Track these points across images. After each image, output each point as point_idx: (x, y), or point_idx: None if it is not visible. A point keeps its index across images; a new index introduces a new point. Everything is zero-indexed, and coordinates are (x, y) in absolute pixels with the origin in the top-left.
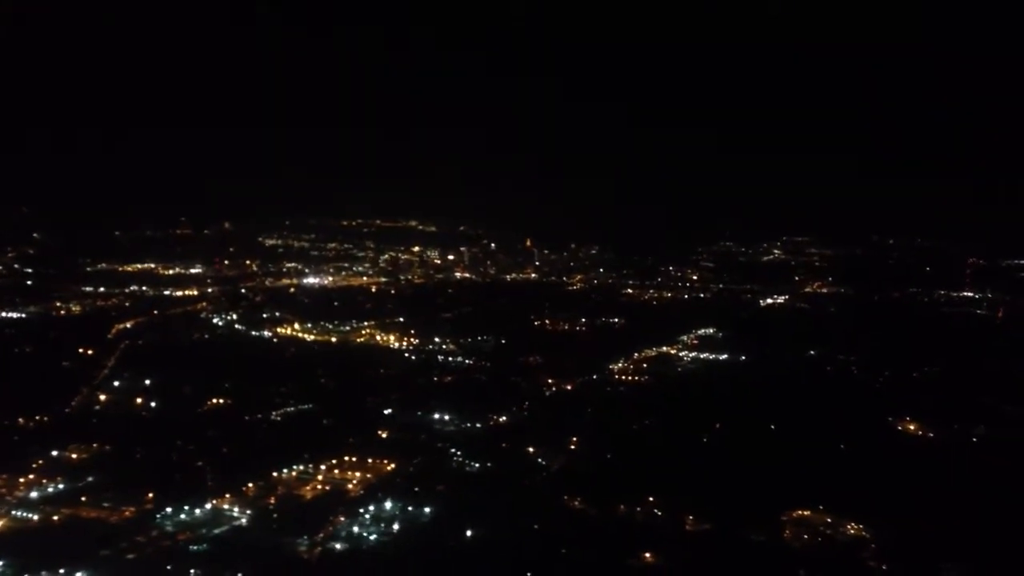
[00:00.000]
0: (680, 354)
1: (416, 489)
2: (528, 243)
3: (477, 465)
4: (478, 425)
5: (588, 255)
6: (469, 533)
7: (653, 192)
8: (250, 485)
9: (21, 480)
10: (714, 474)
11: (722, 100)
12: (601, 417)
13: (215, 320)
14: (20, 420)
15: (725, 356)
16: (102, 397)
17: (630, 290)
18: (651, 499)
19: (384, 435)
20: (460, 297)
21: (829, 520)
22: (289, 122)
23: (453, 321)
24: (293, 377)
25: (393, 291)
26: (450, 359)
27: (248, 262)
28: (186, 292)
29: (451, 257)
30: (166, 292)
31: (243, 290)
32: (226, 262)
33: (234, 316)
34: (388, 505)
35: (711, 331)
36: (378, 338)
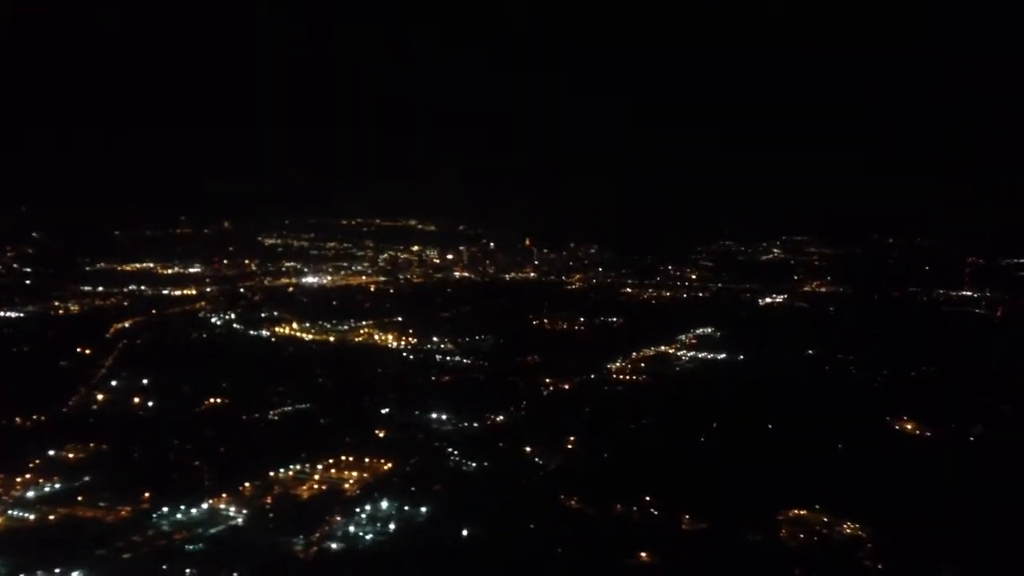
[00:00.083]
0: (678, 353)
1: (413, 489)
2: (527, 242)
3: (474, 465)
4: (475, 425)
5: (587, 254)
6: (465, 532)
7: (653, 192)
8: (247, 485)
9: (18, 480)
10: (711, 473)
11: (722, 100)
12: (598, 417)
13: (213, 319)
14: (17, 420)
15: (723, 355)
16: (100, 397)
17: (629, 289)
18: (647, 498)
19: (381, 435)
20: (459, 296)
21: (826, 519)
22: (289, 122)
23: (451, 320)
24: (291, 376)
25: (392, 290)
26: (448, 359)
27: (247, 261)
28: (185, 292)
29: (450, 256)
30: (165, 292)
31: (242, 289)
32: (225, 261)
33: (232, 315)
34: (384, 504)
35: (710, 330)
36: (376, 337)
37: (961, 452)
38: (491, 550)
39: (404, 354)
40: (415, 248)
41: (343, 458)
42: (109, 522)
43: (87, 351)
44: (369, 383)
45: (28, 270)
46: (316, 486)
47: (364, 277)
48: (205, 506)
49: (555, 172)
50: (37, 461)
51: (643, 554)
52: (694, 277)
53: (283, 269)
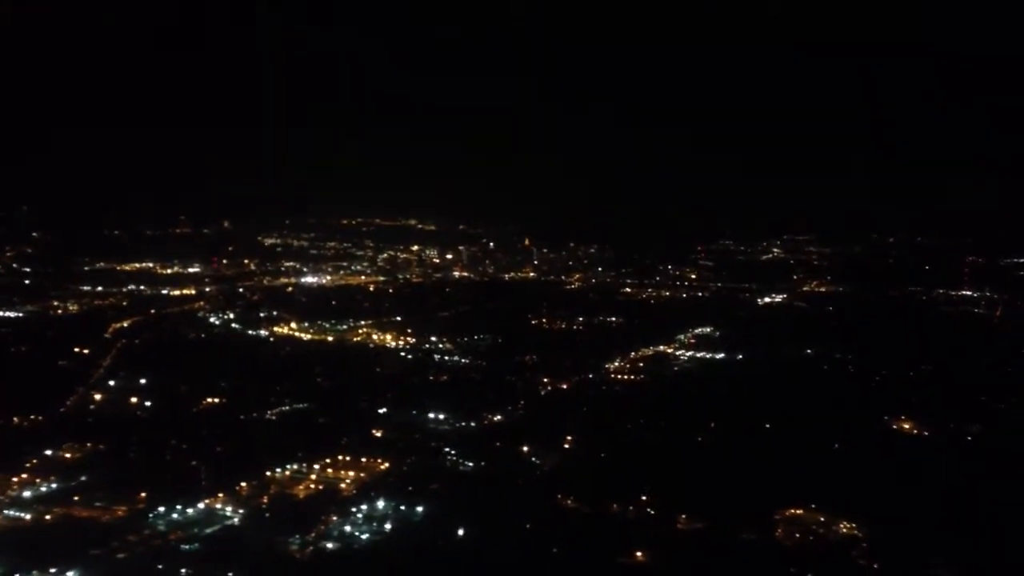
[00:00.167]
0: (677, 353)
1: (409, 488)
2: (527, 242)
3: (471, 464)
4: (472, 424)
5: (587, 254)
6: (461, 532)
7: (653, 191)
8: (243, 484)
9: (14, 479)
10: (708, 473)
11: (722, 100)
12: (596, 417)
13: (212, 319)
14: (15, 419)
15: (722, 355)
16: (97, 396)
17: (628, 289)
18: (644, 498)
19: (379, 434)
20: (458, 296)
21: (822, 519)
22: (289, 122)
23: (450, 320)
24: (289, 376)
25: (391, 290)
26: (446, 358)
27: (246, 261)
28: (184, 291)
29: (450, 256)
30: (164, 291)
31: (240, 289)
32: (224, 261)
33: (231, 315)
34: (381, 504)
35: (708, 330)
36: (375, 337)
37: (959, 452)
38: (487, 550)
39: (402, 354)
40: (415, 248)
41: (340, 458)
42: (105, 522)
43: (85, 351)
44: (367, 383)
45: (27, 270)
46: (313, 486)
47: (363, 277)
48: (202, 506)
49: (555, 172)
50: (34, 461)
51: (639, 553)
52: (693, 277)
53: (282, 269)
